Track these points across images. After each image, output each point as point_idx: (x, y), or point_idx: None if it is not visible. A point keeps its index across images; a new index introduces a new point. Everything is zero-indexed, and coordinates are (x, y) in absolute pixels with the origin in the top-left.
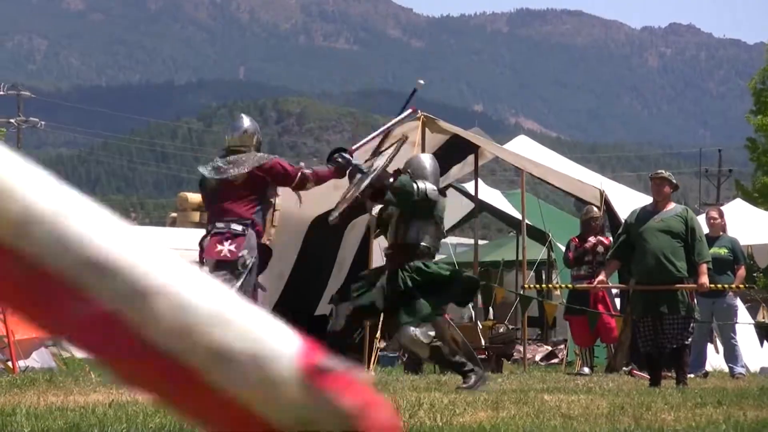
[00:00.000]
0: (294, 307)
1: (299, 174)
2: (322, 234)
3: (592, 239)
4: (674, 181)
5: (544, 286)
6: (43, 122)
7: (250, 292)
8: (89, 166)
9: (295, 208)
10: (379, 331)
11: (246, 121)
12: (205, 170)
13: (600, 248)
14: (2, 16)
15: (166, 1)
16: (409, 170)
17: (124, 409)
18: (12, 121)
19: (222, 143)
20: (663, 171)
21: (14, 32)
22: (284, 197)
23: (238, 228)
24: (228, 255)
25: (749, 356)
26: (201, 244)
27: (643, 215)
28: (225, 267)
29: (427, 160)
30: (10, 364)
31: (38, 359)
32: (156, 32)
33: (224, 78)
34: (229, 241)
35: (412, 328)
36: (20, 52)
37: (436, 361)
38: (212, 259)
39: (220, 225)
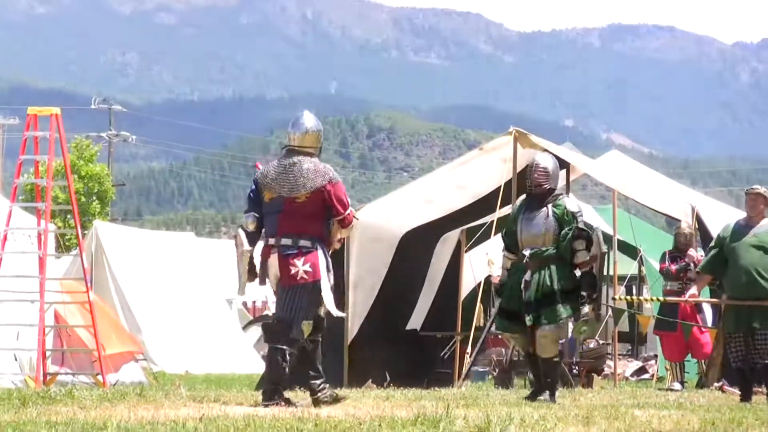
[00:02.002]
0: (385, 321)
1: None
2: (413, 248)
3: (692, 252)
4: None
5: (635, 298)
6: (134, 136)
7: None
8: (181, 180)
9: (387, 222)
10: (469, 346)
11: (311, 120)
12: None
13: (691, 264)
14: (95, 31)
15: (258, 16)
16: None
17: (215, 423)
18: (103, 135)
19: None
20: (758, 186)
21: (107, 47)
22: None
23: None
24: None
25: None
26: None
27: (737, 230)
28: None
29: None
30: (100, 378)
31: (128, 373)
32: (247, 47)
33: (315, 92)
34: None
35: (570, 323)
36: (112, 67)
37: (555, 364)
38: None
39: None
